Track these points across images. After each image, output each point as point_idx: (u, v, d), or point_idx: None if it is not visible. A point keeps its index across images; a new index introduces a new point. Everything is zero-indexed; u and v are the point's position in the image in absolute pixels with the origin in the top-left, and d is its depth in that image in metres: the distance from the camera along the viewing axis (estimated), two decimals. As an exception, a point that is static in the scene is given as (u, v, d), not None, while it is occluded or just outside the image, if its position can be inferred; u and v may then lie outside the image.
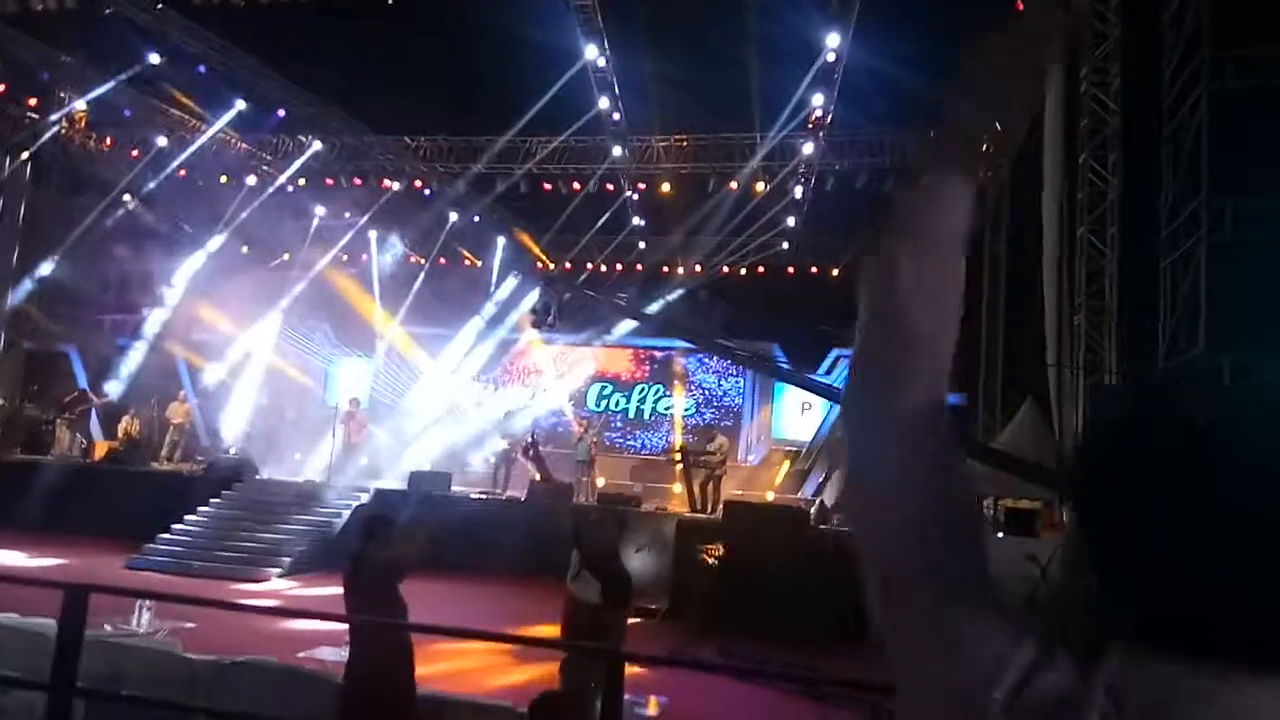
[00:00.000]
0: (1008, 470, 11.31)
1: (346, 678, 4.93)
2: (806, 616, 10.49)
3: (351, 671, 4.90)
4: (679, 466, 16.73)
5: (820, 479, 16.41)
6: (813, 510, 14.10)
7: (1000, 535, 12.79)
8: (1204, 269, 9.02)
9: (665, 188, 20.53)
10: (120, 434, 17.19)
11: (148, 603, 7.13)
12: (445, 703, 5.65)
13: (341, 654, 7.47)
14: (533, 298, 20.27)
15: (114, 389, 18.57)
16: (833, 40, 15.51)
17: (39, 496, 14.17)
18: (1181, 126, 9.57)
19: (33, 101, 19.46)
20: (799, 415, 19.60)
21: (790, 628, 10.33)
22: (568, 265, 22.80)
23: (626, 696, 7.45)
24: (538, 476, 15.52)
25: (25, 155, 19.67)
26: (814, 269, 21.62)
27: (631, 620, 11.05)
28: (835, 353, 18.81)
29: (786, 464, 17.74)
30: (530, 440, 15.59)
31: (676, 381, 20.58)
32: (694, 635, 10.43)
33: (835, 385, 16.51)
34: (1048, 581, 10.20)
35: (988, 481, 12.41)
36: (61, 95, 19.57)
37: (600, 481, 17.20)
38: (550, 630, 7.54)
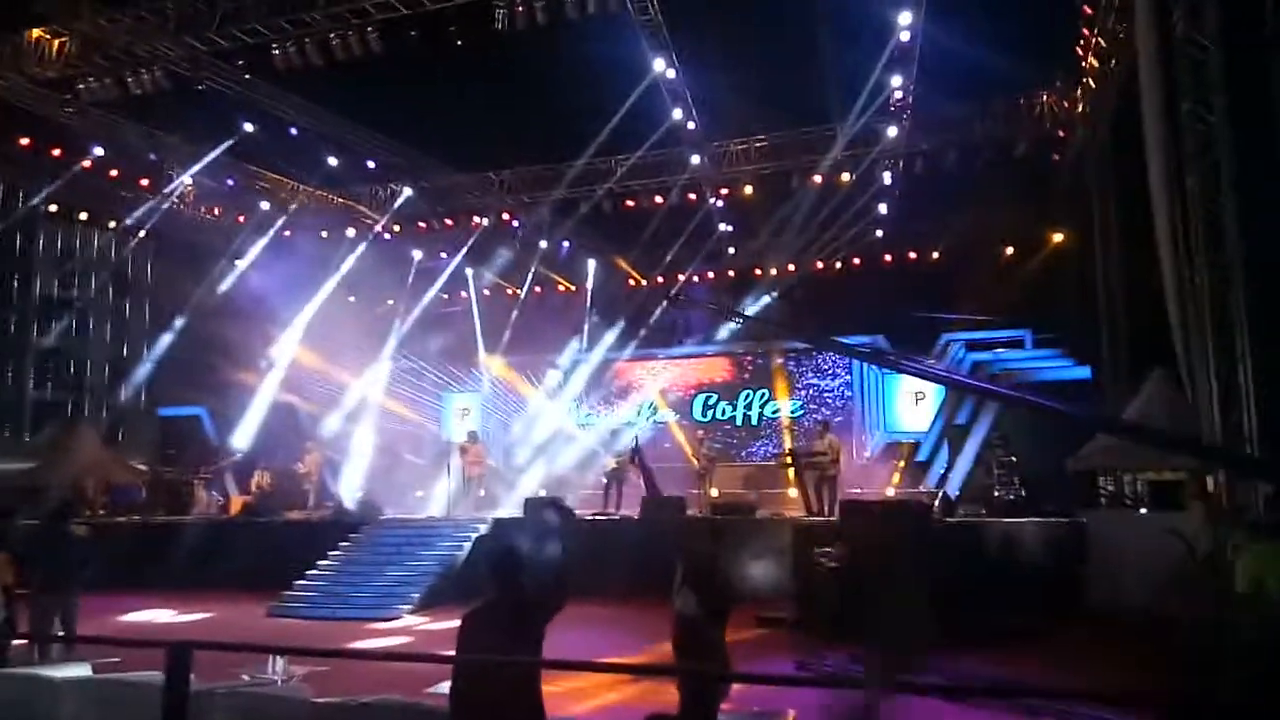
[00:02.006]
0: (1144, 442, 10.66)
1: (457, 713, 4.86)
2: (939, 616, 10.08)
3: (464, 705, 4.83)
4: (791, 471, 16.45)
5: (942, 468, 15.84)
6: (936, 502, 13.62)
7: (1143, 511, 12.09)
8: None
9: (748, 190, 20.31)
10: (253, 488, 18.02)
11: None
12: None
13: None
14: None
15: (241, 445, 19.49)
16: (905, 18, 15.08)
17: (183, 554, 14.93)
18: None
19: (144, 181, 20.72)
20: (912, 406, 19.00)
21: (923, 628, 9.94)
22: (660, 279, 22.80)
23: (756, 709, 7.32)
24: (644, 488, 15.41)
25: (143, 233, 20.95)
26: (912, 254, 20.99)
27: (759, 630, 10.91)
28: (945, 338, 18.20)
29: (904, 457, 17.21)
30: (634, 449, 15.42)
31: (780, 384, 20.26)
32: (822, 643, 10.16)
33: (956, 372, 15.97)
34: (1194, 557, 9.54)
35: (1124, 455, 11.74)
36: (169, 173, 20.77)
37: (714, 492, 17.05)
38: (664, 648, 7.47)
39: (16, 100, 17.40)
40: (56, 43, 16.24)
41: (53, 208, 20.82)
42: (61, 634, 9.12)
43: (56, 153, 19.30)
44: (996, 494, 13.83)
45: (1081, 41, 15.61)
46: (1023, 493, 13.65)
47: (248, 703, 6.61)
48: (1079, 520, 11.88)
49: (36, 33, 16.21)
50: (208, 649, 4.02)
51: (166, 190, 20.75)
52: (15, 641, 8.97)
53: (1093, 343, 16.31)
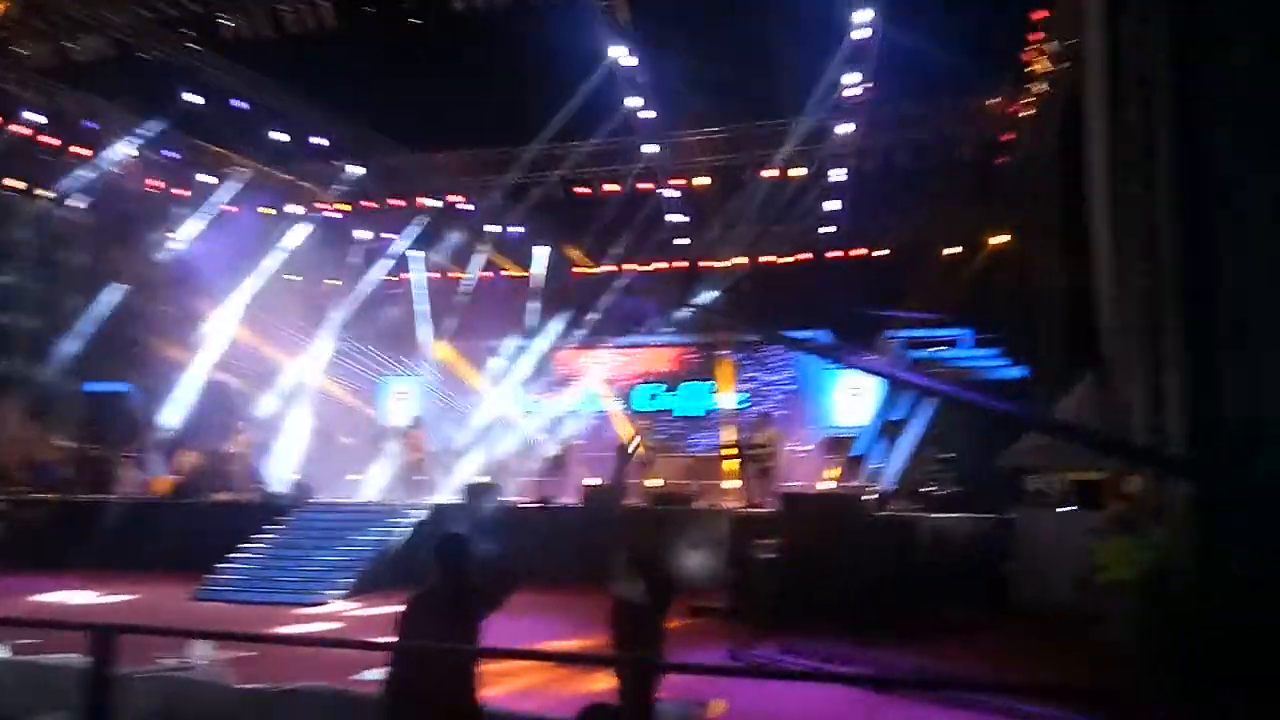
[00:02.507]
0: (1077, 441, 10.87)
1: (393, 697, 4.76)
2: (871, 607, 10.19)
3: (402, 691, 4.72)
4: (732, 463, 16.51)
5: (879, 464, 16.01)
6: (871, 497, 13.76)
7: (1071, 509, 12.34)
8: (1266, 218, 8.51)
9: (702, 181, 20.30)
10: (182, 468, 17.55)
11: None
12: (494, 715, 5.53)
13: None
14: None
15: (171, 423, 18.95)
16: (863, 16, 15.18)
17: (106, 535, 14.52)
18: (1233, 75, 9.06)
19: (82, 151, 20.01)
20: (851, 402, 19.22)
21: (855, 619, 10.05)
22: (608, 268, 22.68)
23: (687, 700, 7.31)
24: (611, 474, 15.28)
25: (78, 203, 20.24)
26: (860, 251, 21.17)
27: (693, 620, 10.92)
28: (889, 334, 18.37)
29: (842, 452, 17.38)
30: (624, 451, 15.40)
31: (725, 377, 20.33)
32: (756, 632, 10.20)
33: (902, 369, 16.13)
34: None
35: (1053, 454, 11.96)
36: (108, 142, 20.08)
37: (657, 482, 17.04)
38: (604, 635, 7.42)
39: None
40: (-4, 4, 15.58)
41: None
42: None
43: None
44: (930, 490, 14.03)
45: (1029, 46, 15.86)
46: (956, 489, 13.85)
47: (170, 687, 6.43)
48: (1008, 517, 12.09)
49: (-29, -6, 15.53)
50: (132, 632, 3.87)
51: (104, 160, 20.06)
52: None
53: (1030, 343, 16.61)
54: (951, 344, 17.25)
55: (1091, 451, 10.57)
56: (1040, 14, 15.09)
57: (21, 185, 20.77)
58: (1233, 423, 8.44)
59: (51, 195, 20.48)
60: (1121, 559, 8.32)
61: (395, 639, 5.02)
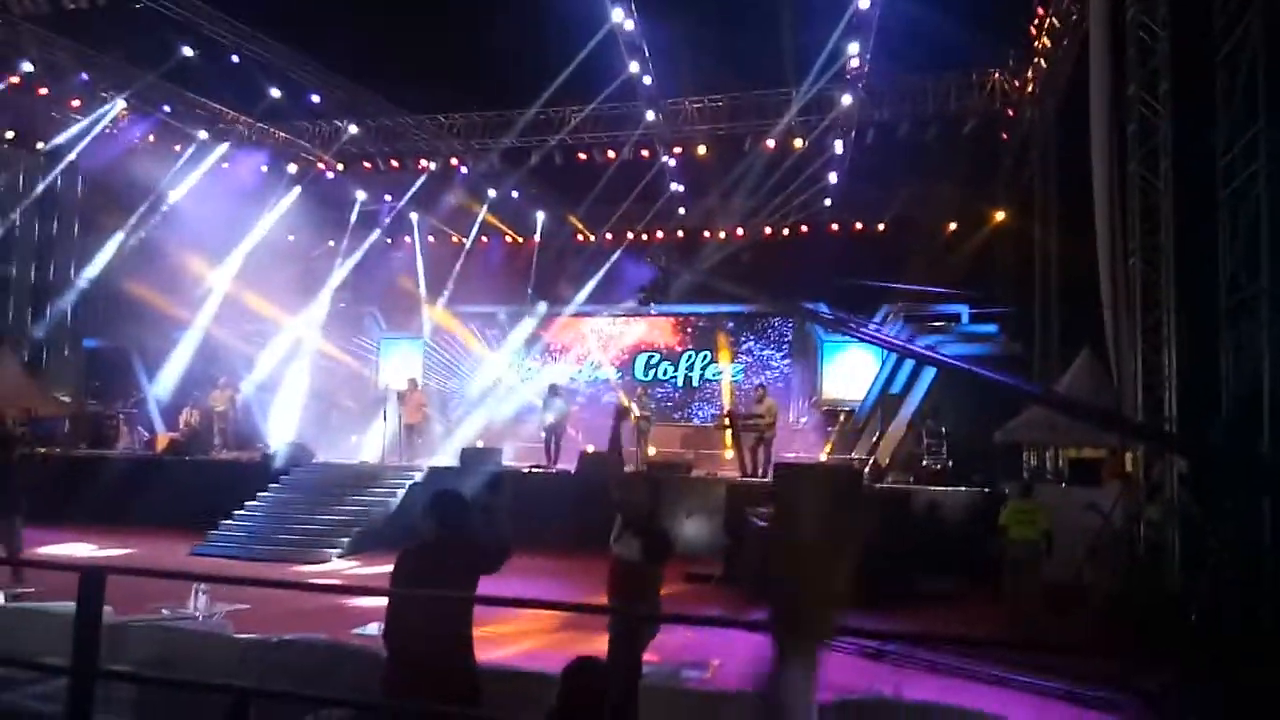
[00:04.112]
0: (1076, 416, 10.98)
1: (390, 649, 4.86)
2: (862, 577, 10.34)
3: (400, 644, 4.83)
4: (729, 432, 16.62)
5: (875, 438, 16.16)
6: (866, 469, 13.90)
7: (1063, 485, 12.50)
8: (1264, 201, 8.55)
9: (701, 150, 20.20)
10: (181, 425, 17.61)
11: (203, 586, 7.25)
12: (484, 671, 5.64)
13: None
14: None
15: (170, 381, 18.98)
16: (867, -15, 15.02)
17: (106, 490, 14.58)
18: (1236, 50, 9.06)
19: (75, 103, 19.81)
20: (849, 374, 19.30)
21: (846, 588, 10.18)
22: (609, 236, 22.65)
23: (683, 659, 7.45)
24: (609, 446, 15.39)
25: (72, 156, 20.07)
26: (858, 224, 21.17)
27: (688, 585, 11.07)
28: (886, 308, 18.46)
29: (839, 424, 17.51)
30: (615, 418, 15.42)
31: (722, 347, 20.39)
32: (749, 599, 10.36)
33: (906, 341, 16.22)
34: (1111, 529, 9.92)
35: (1049, 430, 12.09)
36: (103, 95, 19.88)
37: (652, 451, 17.17)
38: (600, 599, 7.54)
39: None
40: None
41: (-27, 123, 19.85)
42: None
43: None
44: (925, 463, 14.17)
45: (1035, 21, 15.78)
46: (950, 463, 14.00)
47: (166, 636, 6.49)
48: (1002, 491, 12.25)
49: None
50: (123, 574, 3.93)
51: (97, 113, 19.85)
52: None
53: (1027, 319, 16.70)
54: (951, 318, 17.34)
55: (1089, 426, 10.70)
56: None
57: (11, 136, 20.61)
58: (1228, 402, 8.56)
59: (45, 147, 20.31)
60: (1023, 520, 9.55)
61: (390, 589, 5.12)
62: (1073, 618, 8.88)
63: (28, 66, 18.41)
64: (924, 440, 14.55)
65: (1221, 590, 7.50)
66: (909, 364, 16.46)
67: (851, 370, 19.34)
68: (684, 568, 11.30)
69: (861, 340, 18.49)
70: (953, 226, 19.95)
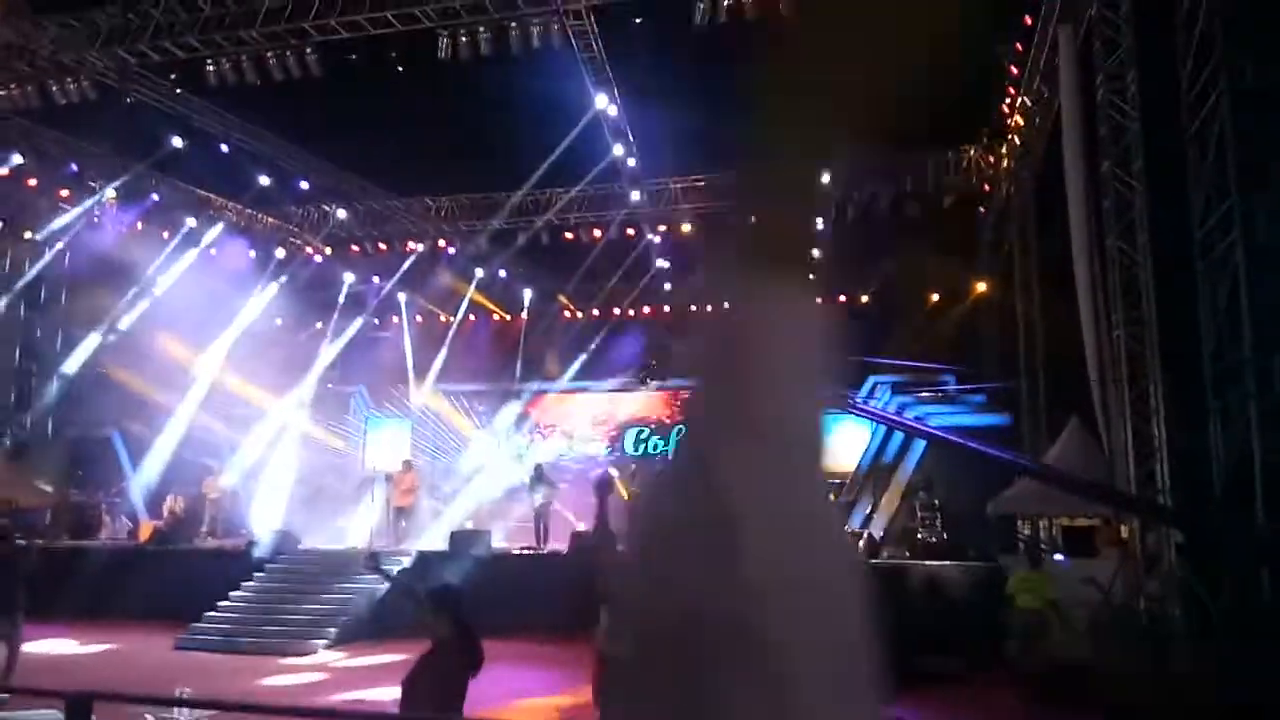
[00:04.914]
0: (1065, 489, 10.98)
1: None
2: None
3: None
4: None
5: (867, 510, 16.07)
6: (860, 543, 13.79)
7: (1060, 557, 12.42)
8: (1242, 270, 8.75)
9: (686, 228, 20.51)
10: (165, 513, 17.33)
11: (186, 691, 7.04)
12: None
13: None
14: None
15: (154, 468, 18.73)
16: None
17: (88, 581, 14.25)
18: (1204, 126, 9.36)
19: (64, 193, 19.98)
20: (840, 447, 19.22)
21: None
22: (595, 313, 22.80)
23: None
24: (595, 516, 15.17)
25: (59, 246, 20.16)
26: (842, 297, 21.42)
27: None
28: (873, 379, 18.51)
29: (831, 497, 17.41)
30: (603, 482, 15.19)
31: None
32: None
33: (899, 416, 16.23)
34: (1111, 604, 9.83)
35: (1042, 501, 12.07)
36: (91, 184, 20.07)
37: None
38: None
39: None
40: (-24, 46, 15.63)
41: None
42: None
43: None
44: (919, 536, 14.08)
45: (1007, 101, 16.27)
46: (945, 536, 13.91)
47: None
48: (999, 565, 12.15)
49: (-45, 36, 15.58)
50: (108, 700, 3.84)
51: (86, 203, 20.02)
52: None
53: (1013, 390, 16.82)
54: (936, 390, 17.43)
55: (1084, 500, 10.69)
56: (1015, 70, 15.51)
57: (1, 225, 20.71)
58: (1219, 472, 8.59)
59: (34, 236, 20.40)
60: (1030, 589, 9.79)
61: (403, 697, 5.05)
62: (1079, 700, 8.73)
63: (17, 158, 18.63)
64: (918, 513, 14.48)
65: (1229, 666, 7.42)
66: (898, 435, 16.47)
67: (841, 442, 19.30)
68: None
69: (857, 416, 18.44)
70: (935, 298, 20.22)
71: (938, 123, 16.37)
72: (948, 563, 12.68)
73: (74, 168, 19.68)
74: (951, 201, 18.37)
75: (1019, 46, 14.75)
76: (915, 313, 19.64)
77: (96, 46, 15.22)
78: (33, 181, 19.34)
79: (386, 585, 12.02)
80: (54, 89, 16.21)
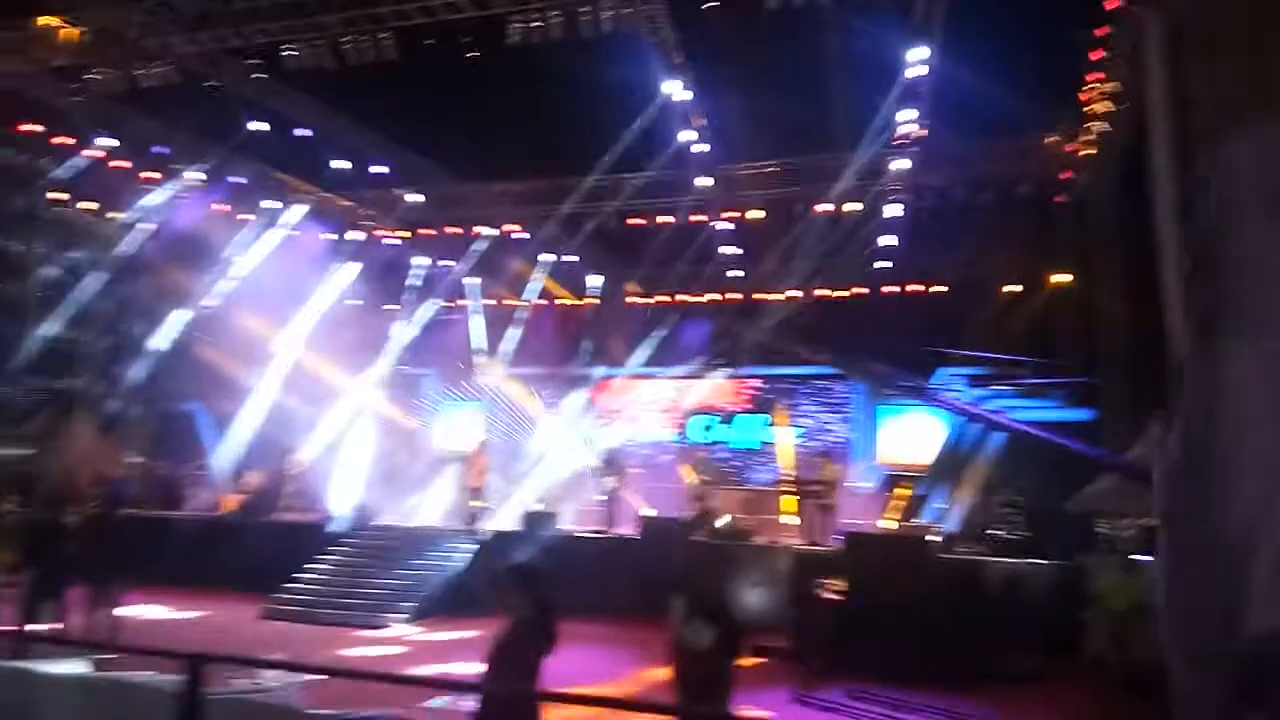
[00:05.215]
0: (1147, 484, 10.69)
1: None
2: (937, 653, 10.09)
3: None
4: (789, 498, 16.44)
5: (941, 505, 15.83)
6: (936, 539, 13.63)
7: (1142, 556, 12.13)
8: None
9: (755, 215, 20.38)
10: (246, 487, 17.88)
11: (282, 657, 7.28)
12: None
13: (460, 703, 7.52)
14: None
15: (236, 443, 19.32)
16: (919, 54, 15.19)
17: (175, 551, 14.80)
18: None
19: (151, 174, 20.64)
20: (910, 440, 19.02)
21: (919, 666, 9.96)
22: (662, 299, 22.81)
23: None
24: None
25: (147, 226, 20.84)
26: (916, 287, 21.08)
27: (754, 660, 10.87)
28: (948, 371, 18.22)
29: (904, 490, 17.17)
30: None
31: (781, 410, 20.28)
32: (817, 676, 10.15)
33: (978, 407, 15.99)
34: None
35: (1127, 498, 11.76)
36: (176, 167, 20.67)
37: (719, 523, 17.03)
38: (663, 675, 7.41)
39: (26, 87, 17.30)
40: (68, 31, 16.14)
41: (58, 197, 20.73)
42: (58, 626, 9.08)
43: (64, 141, 19.22)
44: (997, 533, 13.83)
45: (1088, 85, 15.77)
46: (1024, 533, 13.65)
47: (246, 711, 6.53)
48: (1080, 564, 11.90)
49: (47, 20, 16.10)
50: (221, 662, 4.03)
51: (172, 184, 20.64)
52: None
53: (1095, 384, 16.38)
54: (1014, 383, 17.07)
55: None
56: (1098, 54, 15.02)
57: (93, 207, 21.50)
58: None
59: (122, 218, 21.12)
60: (1120, 591, 9.86)
61: (485, 670, 5.22)
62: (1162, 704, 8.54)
63: (107, 141, 19.28)
64: (995, 509, 14.22)
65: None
66: (975, 428, 16.18)
67: (910, 435, 19.09)
68: (750, 640, 11.10)
69: (936, 406, 18.09)
70: (1012, 289, 19.79)
71: (1018, 107, 16.00)
72: (1026, 560, 12.46)
73: (161, 150, 20.28)
74: (1029, 189, 17.92)
75: (1100, 30, 14.29)
76: (991, 304, 19.22)
77: (181, 32, 15.62)
78: (121, 163, 20.00)
79: (467, 559, 12.24)
80: (141, 73, 16.67)
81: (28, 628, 9.01)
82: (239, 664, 4.95)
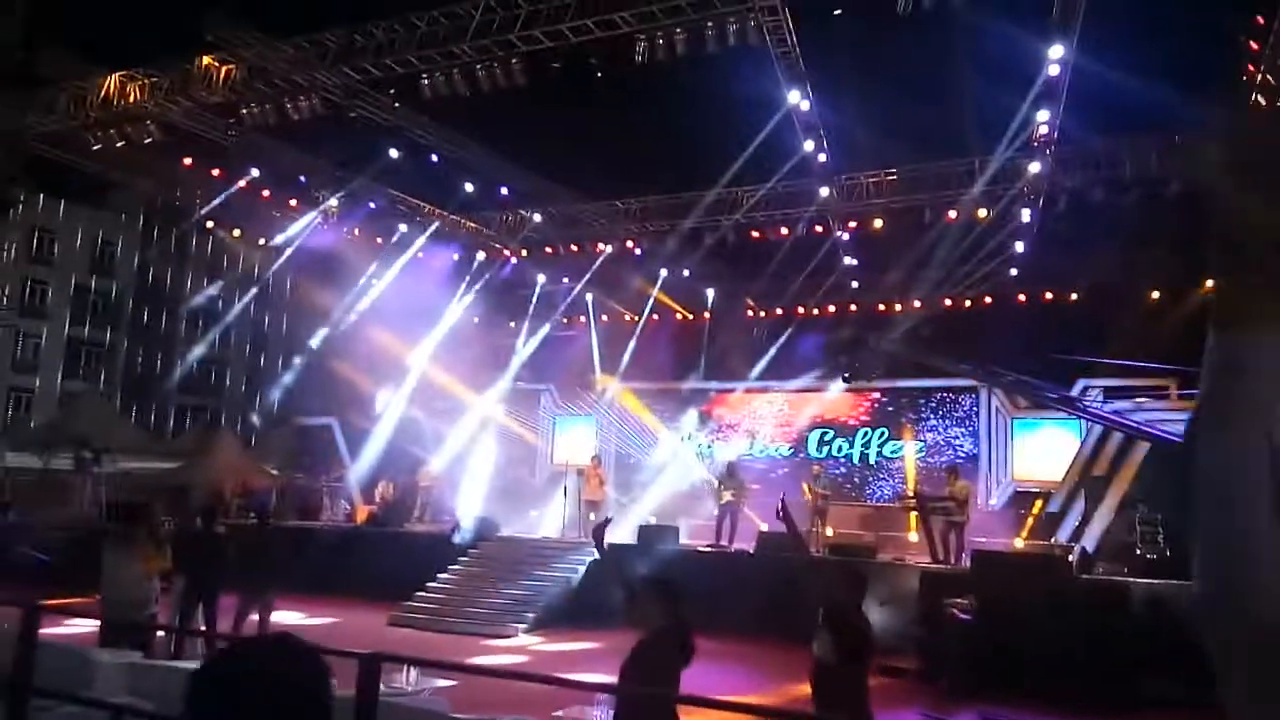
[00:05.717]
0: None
1: None
2: (1072, 677, 9.57)
3: None
4: (914, 514, 15.92)
5: (1077, 522, 15.03)
6: (1072, 558, 12.94)
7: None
8: None
9: (877, 224, 19.93)
10: (377, 498, 18.61)
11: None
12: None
13: (593, 714, 7.55)
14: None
15: (369, 456, 20.15)
16: (1055, 52, 14.53)
17: (311, 559, 15.50)
18: None
19: (293, 202, 21.84)
20: (1042, 455, 18.13)
21: (1055, 689, 9.46)
22: (779, 311, 22.59)
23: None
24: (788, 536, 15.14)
25: (289, 251, 22.06)
26: (1048, 294, 20.16)
27: (880, 680, 10.54)
28: (1083, 383, 17.32)
29: (1036, 507, 16.39)
30: (781, 505, 15.15)
31: (904, 425, 19.70)
32: (946, 696, 9.76)
33: (1122, 417, 15.15)
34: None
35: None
36: (316, 195, 21.81)
37: (829, 531, 16.68)
38: (796, 691, 7.27)
39: (183, 123, 18.59)
40: (224, 70, 17.27)
41: (209, 224, 22.16)
42: (202, 629, 9.60)
43: (216, 173, 20.55)
44: (1139, 552, 13.00)
45: (1245, 78, 14.75)
46: (1168, 553, 12.78)
47: (387, 714, 6.73)
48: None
49: (207, 60, 17.28)
50: (393, 661, 4.14)
51: (312, 213, 21.77)
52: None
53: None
54: (1163, 394, 16.06)
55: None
56: (1256, 45, 14.03)
57: (238, 234, 22.91)
58: None
59: (265, 243, 22.42)
60: None
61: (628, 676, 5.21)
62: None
63: (254, 171, 20.52)
64: (1137, 527, 13.37)
65: None
66: (1113, 443, 15.30)
67: (1044, 449, 18.19)
68: (876, 660, 10.79)
69: (1079, 417, 17.12)
70: (1156, 295, 18.66)
71: (1160, 105, 15.12)
72: (1171, 581, 11.66)
73: (302, 179, 21.44)
74: (1178, 189, 16.85)
75: (1259, 19, 13.37)
76: (1134, 311, 18.16)
77: (325, 66, 16.48)
78: (266, 193, 21.24)
79: (587, 569, 12.28)
80: (288, 107, 17.65)
81: (187, 630, 9.56)
82: (412, 664, 5.12)
